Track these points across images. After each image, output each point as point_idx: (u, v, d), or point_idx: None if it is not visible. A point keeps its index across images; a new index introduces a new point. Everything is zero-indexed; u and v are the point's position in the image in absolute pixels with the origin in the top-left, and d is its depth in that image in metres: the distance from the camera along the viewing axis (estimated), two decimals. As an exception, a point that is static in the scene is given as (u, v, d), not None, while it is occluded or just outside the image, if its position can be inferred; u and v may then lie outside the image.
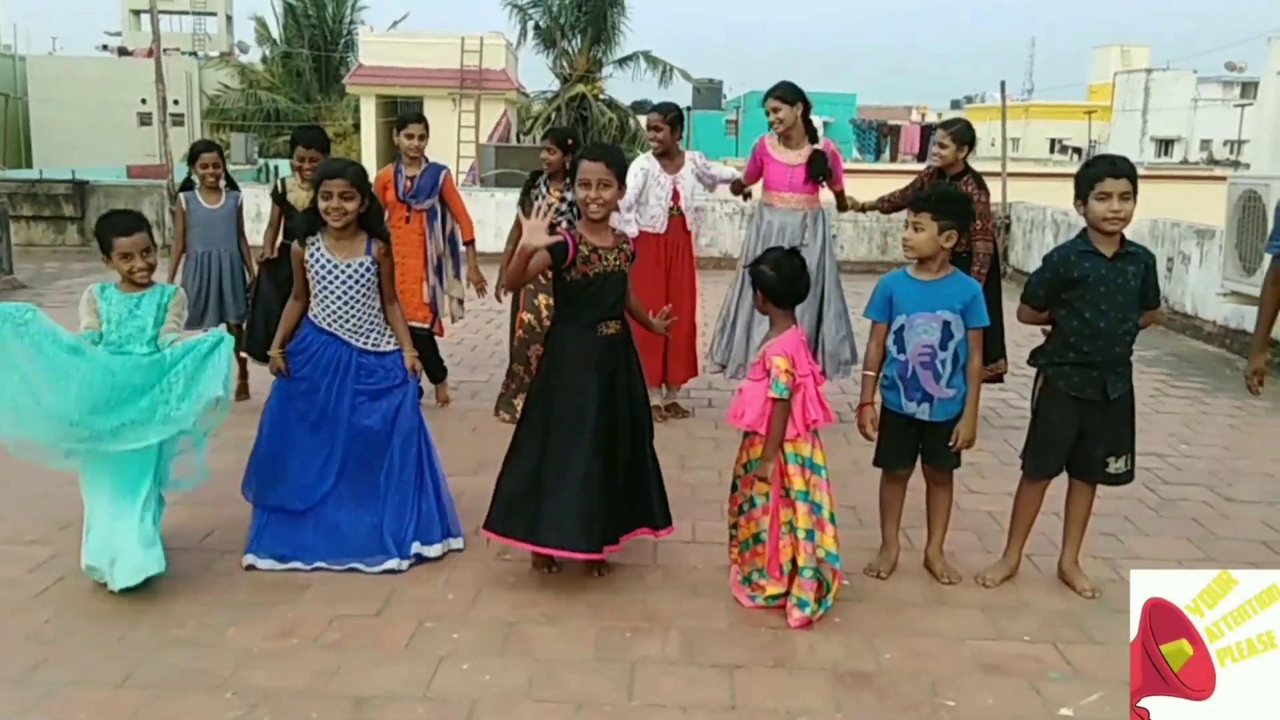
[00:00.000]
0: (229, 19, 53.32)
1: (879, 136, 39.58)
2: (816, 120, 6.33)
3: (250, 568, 4.16)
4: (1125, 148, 40.51)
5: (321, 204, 4.12)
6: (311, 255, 4.18)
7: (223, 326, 6.51)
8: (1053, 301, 3.98)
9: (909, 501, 4.25)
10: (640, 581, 4.12)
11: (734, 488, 4.00)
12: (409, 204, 6.39)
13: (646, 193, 6.27)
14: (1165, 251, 10.00)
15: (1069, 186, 4.02)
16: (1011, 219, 13.70)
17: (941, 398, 3.95)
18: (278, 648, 3.55)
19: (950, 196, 4.06)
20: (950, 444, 3.99)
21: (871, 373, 4.03)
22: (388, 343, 4.31)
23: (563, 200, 5.95)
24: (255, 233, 7.46)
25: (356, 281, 4.19)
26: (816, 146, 6.09)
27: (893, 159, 37.15)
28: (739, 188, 6.62)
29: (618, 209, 4.11)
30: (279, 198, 6.35)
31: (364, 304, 4.24)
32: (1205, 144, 48.32)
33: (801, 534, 3.76)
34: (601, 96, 32.42)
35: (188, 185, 6.60)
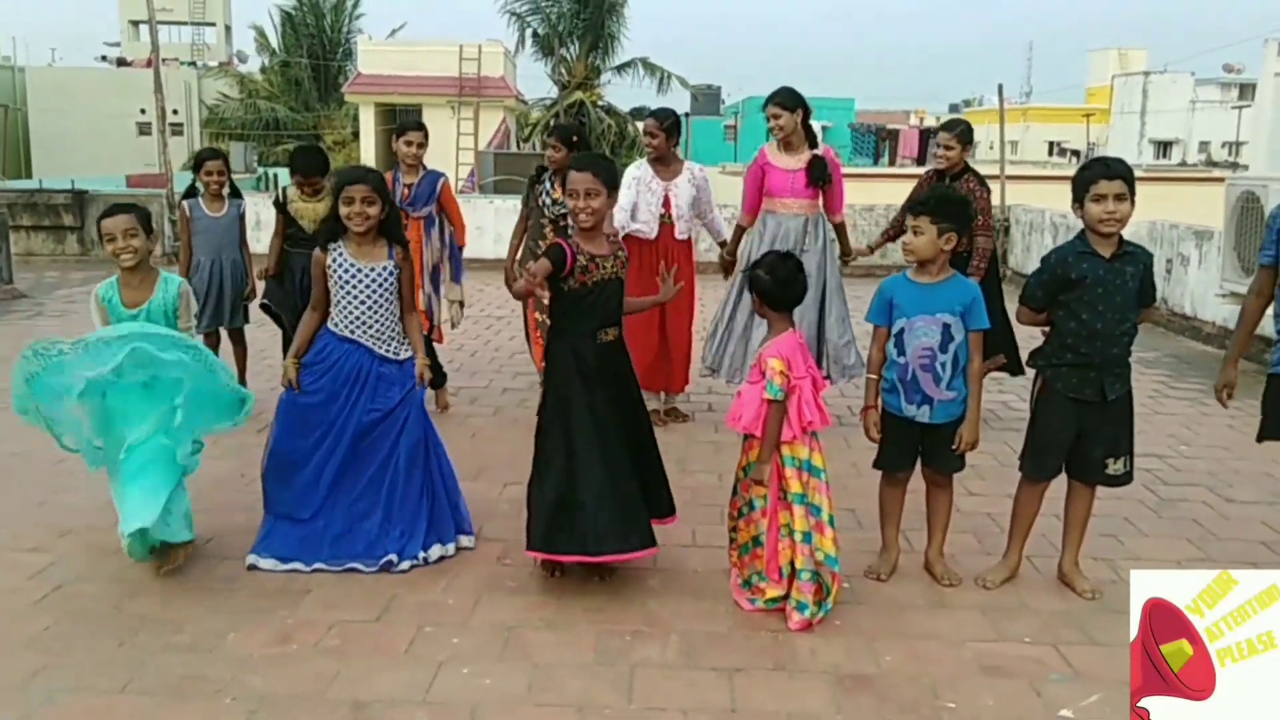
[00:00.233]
0: (228, 29, 53.39)
1: (878, 140, 39.63)
2: (815, 125, 6.34)
3: (252, 567, 4.18)
4: (1124, 150, 40.58)
5: (343, 210, 4.14)
6: (334, 260, 4.19)
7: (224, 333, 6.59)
8: (1051, 303, 3.98)
9: (909, 504, 4.24)
10: (640, 585, 4.12)
11: (734, 491, 4.00)
12: (407, 211, 6.40)
13: (639, 199, 6.28)
14: (1164, 253, 10.01)
15: (1067, 189, 4.03)
16: (1010, 221, 13.71)
17: (941, 400, 3.95)
18: (277, 653, 3.54)
19: (949, 199, 4.06)
20: (953, 446, 3.99)
21: (874, 376, 4.04)
22: (405, 350, 4.32)
23: (558, 204, 5.97)
24: (256, 240, 7.48)
25: (380, 286, 4.20)
26: (816, 151, 6.10)
27: (891, 163, 37.17)
28: (725, 262, 6.55)
29: (610, 217, 4.14)
30: (280, 206, 6.36)
31: (386, 309, 4.25)
32: (1203, 146, 48.38)
33: (799, 537, 3.75)
34: (600, 103, 32.49)
35: (190, 193, 6.62)
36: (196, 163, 6.64)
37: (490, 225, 13.14)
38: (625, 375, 4.13)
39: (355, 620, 3.78)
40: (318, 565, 4.19)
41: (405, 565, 4.19)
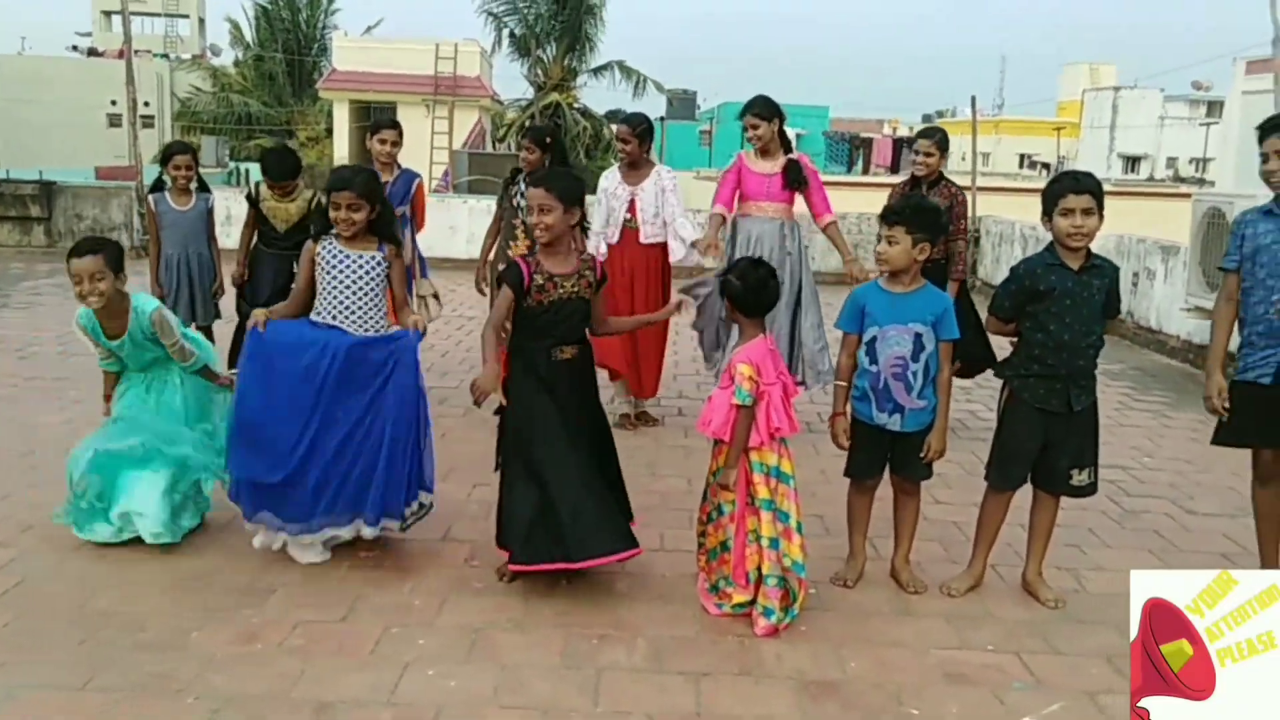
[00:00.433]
0: (201, 21, 52.92)
1: (851, 149, 39.86)
2: (790, 132, 6.38)
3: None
4: (1093, 164, 40.98)
5: (331, 214, 4.16)
6: (323, 248, 4.18)
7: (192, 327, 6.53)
8: (1019, 313, 4.03)
9: (876, 511, 4.27)
10: (608, 589, 4.12)
11: (704, 496, 4.01)
12: None
13: (610, 205, 6.31)
14: (1131, 267, 10.13)
15: (1038, 201, 4.07)
16: (981, 233, 13.82)
17: (913, 408, 3.98)
18: (241, 652, 3.51)
19: (923, 209, 4.09)
20: (922, 455, 4.02)
21: (843, 383, 4.06)
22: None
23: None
24: (226, 236, 7.42)
25: (367, 273, 4.17)
26: (792, 156, 6.14)
27: (865, 171, 37.39)
28: (703, 240, 6.29)
29: (574, 235, 4.10)
30: (254, 202, 6.32)
31: (372, 299, 4.20)
32: (1171, 161, 49.04)
33: (766, 542, 3.77)
34: (576, 105, 32.51)
35: (158, 186, 6.55)
36: (164, 156, 6.57)
37: (464, 225, 13.09)
38: (583, 391, 4.11)
39: (320, 620, 3.76)
40: (293, 528, 4.11)
41: (396, 526, 4.18)
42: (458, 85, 28.36)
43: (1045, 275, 3.92)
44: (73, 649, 3.49)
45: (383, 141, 6.40)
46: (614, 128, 6.50)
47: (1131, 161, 49.57)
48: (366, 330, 4.19)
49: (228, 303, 6.69)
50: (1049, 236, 4.01)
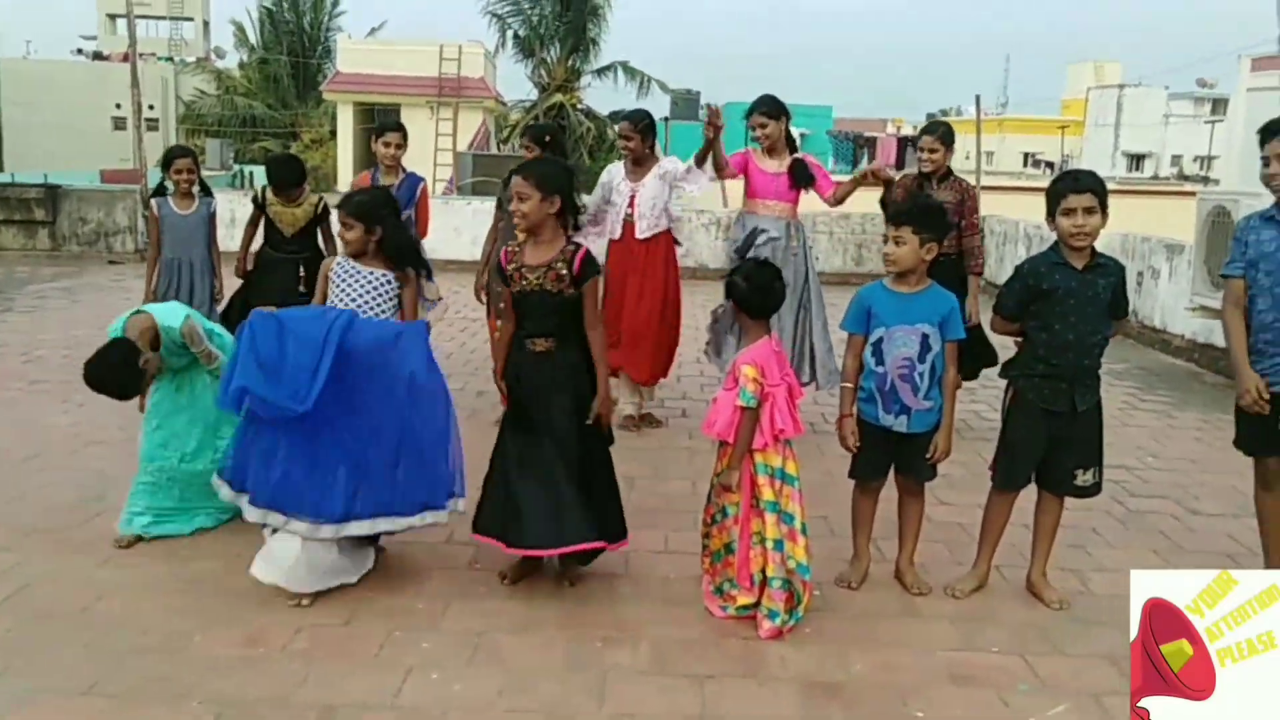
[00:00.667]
0: (206, 24, 53.06)
1: (855, 148, 39.82)
2: (794, 132, 6.39)
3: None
4: (1097, 162, 40.92)
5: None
6: (337, 264, 4.17)
7: None
8: (1023, 312, 4.02)
9: (880, 512, 4.26)
10: (611, 591, 4.12)
11: (708, 498, 4.00)
12: None
13: (613, 200, 6.33)
14: (1135, 266, 10.11)
15: (1042, 200, 4.07)
16: (985, 232, 13.79)
17: (919, 409, 3.97)
18: (244, 656, 3.51)
19: (929, 209, 4.09)
20: (928, 456, 4.01)
21: (850, 384, 4.05)
22: None
23: None
24: (230, 239, 7.43)
25: (375, 289, 4.12)
26: (798, 155, 6.17)
27: (868, 171, 37.27)
28: (708, 163, 6.19)
29: (556, 220, 4.00)
30: (259, 205, 6.34)
31: (378, 313, 4.11)
32: (1176, 159, 48.96)
33: (771, 545, 3.76)
34: (580, 106, 32.45)
35: (160, 191, 6.56)
36: (166, 161, 6.57)
37: (468, 227, 13.07)
38: (558, 386, 3.99)
39: (324, 623, 3.76)
40: (352, 524, 3.88)
41: (444, 513, 4.06)
42: (461, 86, 28.34)
43: (1049, 274, 3.91)
44: (76, 653, 3.50)
45: (386, 144, 6.41)
46: (617, 126, 6.47)
47: (1136, 159, 49.49)
48: None
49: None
50: (1054, 236, 4.00)
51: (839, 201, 6.27)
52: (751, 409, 3.73)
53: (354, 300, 4.11)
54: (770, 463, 3.78)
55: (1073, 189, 3.85)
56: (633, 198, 6.30)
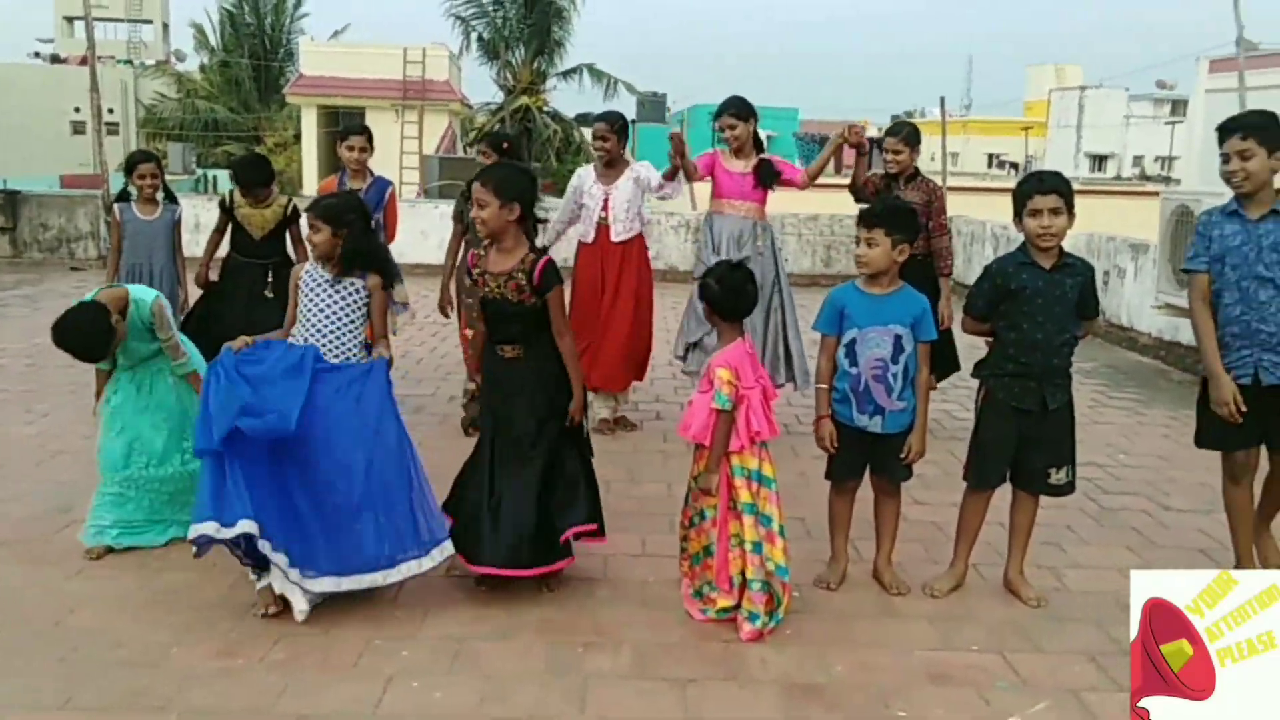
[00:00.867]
0: (165, 26, 52.45)
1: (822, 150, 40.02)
2: (761, 133, 6.41)
3: (202, 542, 3.66)
4: (1060, 163, 41.36)
5: None
6: (307, 272, 4.13)
7: None
8: (992, 312, 4.06)
9: (857, 513, 4.28)
10: (590, 595, 4.11)
11: (685, 501, 4.00)
12: None
13: (585, 204, 6.33)
14: (1101, 265, 10.22)
15: (1007, 200, 4.11)
16: (952, 233, 13.90)
17: (892, 410, 3.99)
18: (222, 668, 3.47)
19: (899, 210, 4.11)
20: (902, 456, 4.03)
21: (824, 385, 4.06)
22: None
23: None
24: (195, 244, 7.34)
25: (343, 299, 4.09)
26: (764, 155, 6.18)
27: (836, 171, 37.49)
28: (679, 174, 6.26)
29: (517, 227, 3.96)
30: (227, 209, 6.24)
31: (347, 324, 4.09)
32: (1138, 160, 49.62)
33: (749, 547, 3.77)
34: (545, 108, 32.40)
35: (124, 196, 6.46)
36: (128, 165, 6.47)
37: (435, 230, 12.97)
38: (527, 396, 3.98)
39: (302, 633, 3.72)
40: (320, 584, 3.78)
41: (435, 556, 3.93)
42: (426, 89, 28.22)
43: (1017, 274, 3.96)
44: (51, 667, 3.44)
45: (350, 148, 6.37)
46: (592, 127, 6.43)
47: (1098, 160, 50.12)
48: (339, 357, 4.06)
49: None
50: (1020, 236, 4.04)
51: (813, 179, 6.25)
52: (727, 411, 3.74)
53: (322, 311, 4.08)
54: (747, 465, 3.79)
55: (1038, 190, 3.90)
56: (606, 200, 6.29)
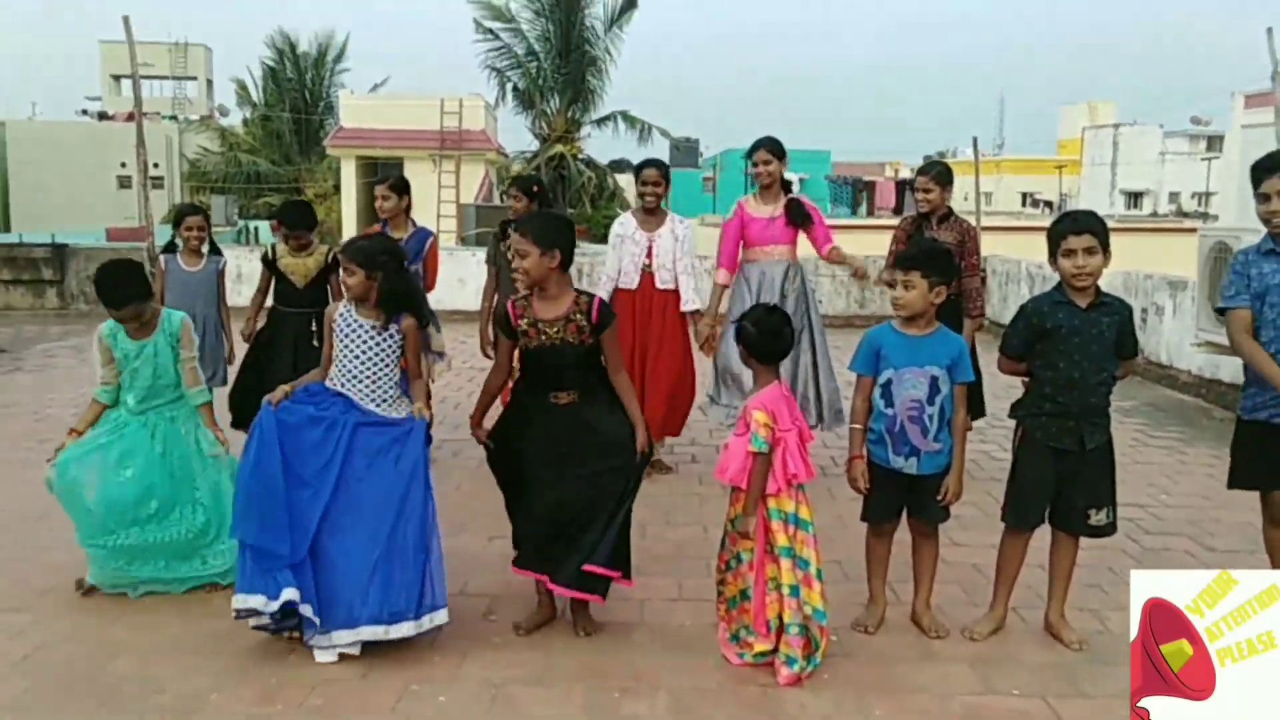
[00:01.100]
0: (209, 82, 53.76)
1: (855, 192, 40.03)
2: (792, 177, 6.49)
3: (244, 613, 3.84)
4: (1095, 201, 41.23)
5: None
6: (341, 314, 4.16)
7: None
8: (1028, 352, 4.04)
9: (894, 555, 4.25)
10: (627, 640, 4.10)
11: (722, 544, 4.00)
12: None
13: (621, 250, 6.37)
14: (1139, 303, 10.14)
15: (1042, 239, 4.11)
16: (987, 272, 13.85)
17: (928, 451, 3.97)
18: (261, 713, 3.50)
19: (935, 253, 4.11)
20: (939, 498, 4.01)
21: (859, 426, 4.06)
22: (401, 414, 4.13)
23: None
24: (237, 294, 7.48)
25: (379, 344, 4.11)
26: (792, 195, 6.24)
27: (869, 214, 37.56)
28: (706, 316, 6.44)
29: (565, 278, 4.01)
30: (269, 263, 6.35)
31: (382, 369, 4.11)
32: (1174, 196, 49.26)
33: (787, 590, 3.75)
34: (580, 156, 32.73)
35: (170, 248, 6.61)
36: (176, 218, 6.64)
37: (472, 277, 13.11)
38: (584, 437, 3.96)
39: (340, 679, 3.74)
40: (318, 640, 3.87)
41: (409, 627, 3.92)
42: (463, 139, 28.62)
43: (1053, 313, 3.94)
44: (91, 713, 3.48)
45: (380, 198, 6.51)
46: (640, 174, 6.51)
47: (1134, 197, 49.80)
48: (375, 400, 4.10)
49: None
50: (1056, 275, 4.03)
51: (833, 256, 6.31)
52: (764, 454, 3.74)
53: (357, 356, 4.11)
54: (784, 508, 3.78)
55: (1072, 230, 3.90)
56: (650, 248, 6.37)
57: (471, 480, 6.33)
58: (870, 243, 14.56)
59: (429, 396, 6.70)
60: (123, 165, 38.67)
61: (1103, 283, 3.99)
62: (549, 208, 6.39)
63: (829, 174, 43.37)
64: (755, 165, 6.23)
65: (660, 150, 36.84)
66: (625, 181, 35.00)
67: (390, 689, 3.66)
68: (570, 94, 32.58)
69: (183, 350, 4.49)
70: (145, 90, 16.03)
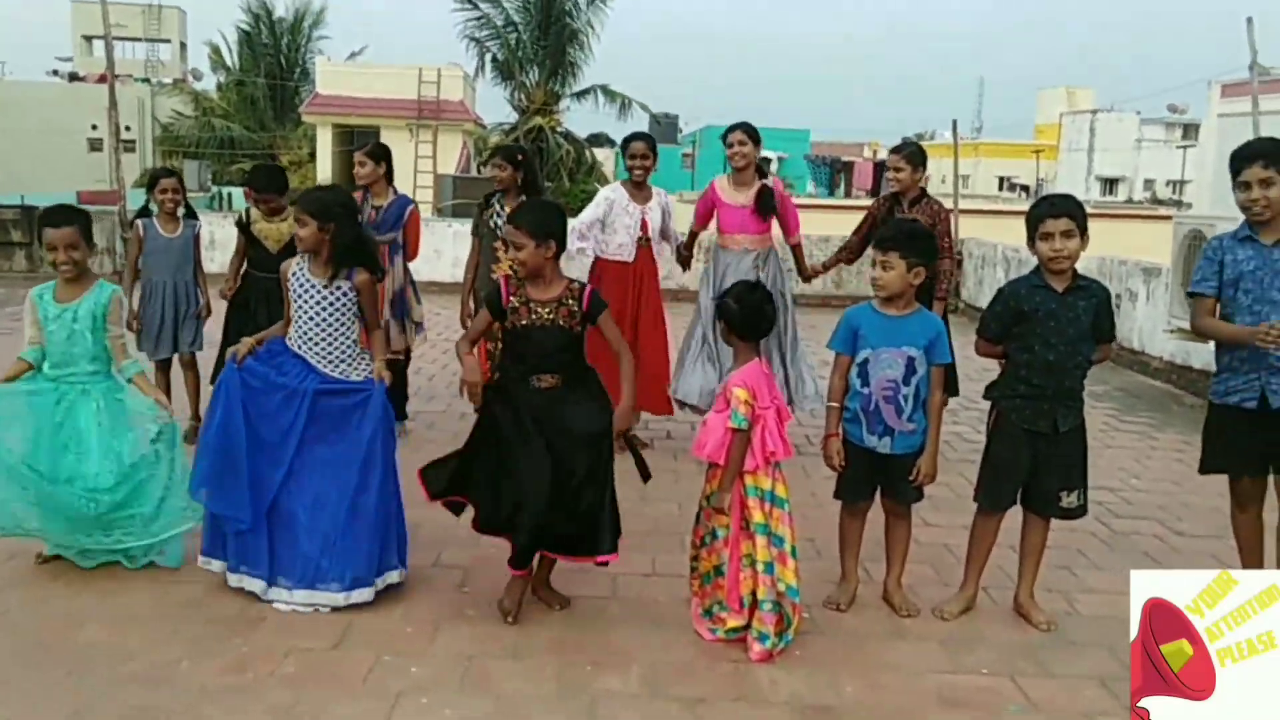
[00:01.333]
0: (183, 46, 52.92)
1: (833, 172, 40.07)
2: (771, 155, 6.49)
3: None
4: (1071, 186, 41.45)
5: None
6: (294, 273, 4.16)
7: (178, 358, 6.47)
8: (1005, 335, 4.06)
9: (867, 534, 4.27)
10: (601, 615, 4.10)
11: (697, 520, 4.00)
12: (372, 235, 6.35)
13: (614, 221, 6.36)
14: (1113, 289, 10.15)
15: (1019, 223, 4.13)
16: (963, 255, 13.91)
17: (902, 431, 3.99)
18: (232, 683, 3.47)
19: (916, 234, 4.12)
20: (911, 478, 4.03)
21: (835, 404, 4.07)
22: (358, 373, 4.17)
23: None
24: (210, 260, 7.38)
25: (331, 304, 4.12)
26: (765, 182, 6.26)
27: (847, 194, 37.62)
28: (683, 258, 6.80)
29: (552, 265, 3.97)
30: (244, 227, 6.29)
31: (337, 330, 4.13)
32: (1149, 183, 49.60)
33: (761, 567, 3.76)
34: (559, 129, 32.53)
35: (145, 212, 6.51)
36: (150, 181, 6.53)
37: (449, 249, 13.08)
38: (564, 421, 3.92)
39: (312, 648, 3.72)
40: (278, 594, 4.04)
41: (369, 593, 4.05)
42: (441, 109, 28.41)
43: (1029, 297, 3.97)
44: (60, 682, 3.44)
45: (357, 165, 6.47)
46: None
47: (1109, 183, 50.12)
48: (332, 361, 4.13)
49: (215, 328, 6.62)
50: (1033, 259, 4.05)
51: (799, 247, 6.57)
52: (744, 431, 3.74)
53: (312, 318, 4.11)
54: (760, 485, 3.79)
55: (1049, 213, 3.92)
56: (644, 221, 6.39)
57: (445, 453, 6.29)
58: (847, 223, 14.52)
59: (408, 355, 6.71)
60: (94, 128, 38.08)
61: (1078, 268, 4.01)
62: (534, 177, 6.34)
63: (808, 153, 43.38)
64: (730, 146, 6.22)
65: (639, 125, 36.71)
66: (604, 156, 34.83)
67: (362, 660, 3.65)
68: (550, 66, 32.34)
69: (110, 326, 4.29)
70: (117, 52, 15.79)
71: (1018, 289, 4.03)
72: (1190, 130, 46.41)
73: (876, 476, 4.13)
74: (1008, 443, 4.08)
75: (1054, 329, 3.94)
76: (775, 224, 6.42)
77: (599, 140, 37.34)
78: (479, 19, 31.99)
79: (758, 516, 3.77)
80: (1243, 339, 3.96)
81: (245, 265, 6.35)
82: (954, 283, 6.27)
